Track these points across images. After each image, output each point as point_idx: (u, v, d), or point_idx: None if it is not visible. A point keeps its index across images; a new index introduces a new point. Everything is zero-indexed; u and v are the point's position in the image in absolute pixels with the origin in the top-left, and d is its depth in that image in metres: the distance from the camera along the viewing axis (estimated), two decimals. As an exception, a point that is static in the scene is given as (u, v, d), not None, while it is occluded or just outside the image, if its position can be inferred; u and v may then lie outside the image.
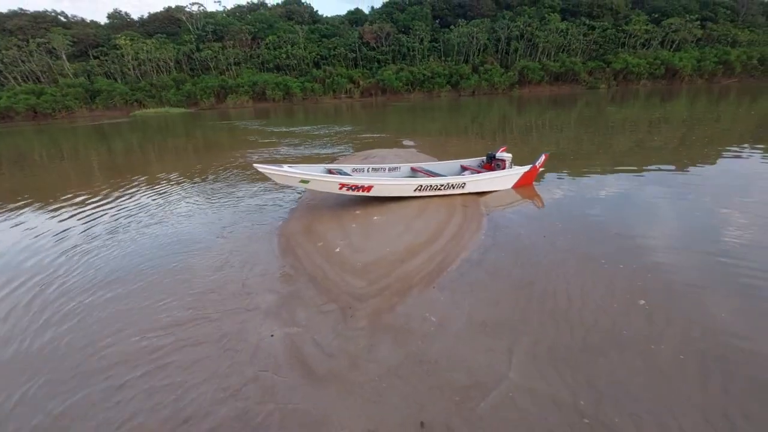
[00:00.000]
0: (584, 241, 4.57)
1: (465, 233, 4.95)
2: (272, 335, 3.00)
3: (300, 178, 5.44)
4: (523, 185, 7.05)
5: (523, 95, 47.32)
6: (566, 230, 4.95)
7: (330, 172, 6.54)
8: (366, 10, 67.97)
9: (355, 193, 5.83)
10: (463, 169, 7.74)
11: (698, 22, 55.50)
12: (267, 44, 57.20)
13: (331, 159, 10.62)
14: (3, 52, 50.68)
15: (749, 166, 8.12)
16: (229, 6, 69.84)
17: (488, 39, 56.77)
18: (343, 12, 70.54)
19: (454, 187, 6.46)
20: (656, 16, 58.30)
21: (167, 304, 3.56)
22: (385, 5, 65.18)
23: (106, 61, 55.13)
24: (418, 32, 56.53)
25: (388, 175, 7.29)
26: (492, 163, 7.52)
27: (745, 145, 10.02)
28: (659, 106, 24.03)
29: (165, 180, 9.04)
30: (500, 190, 6.89)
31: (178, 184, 8.61)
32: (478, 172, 7.18)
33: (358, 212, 5.88)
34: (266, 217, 6.07)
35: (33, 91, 48.93)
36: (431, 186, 6.28)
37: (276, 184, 7.71)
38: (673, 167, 8.14)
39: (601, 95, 38.64)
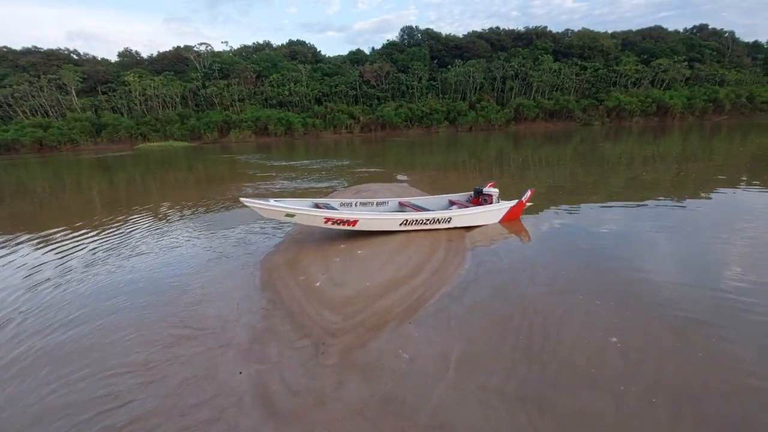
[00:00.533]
0: (564, 276, 4.57)
1: (447, 267, 4.97)
2: (241, 372, 2.95)
3: (286, 212, 5.52)
4: (510, 220, 7.14)
5: (519, 131, 48.46)
6: (548, 265, 4.96)
7: (317, 206, 6.63)
8: (367, 51, 70.91)
9: (341, 227, 5.87)
10: (451, 203, 7.80)
11: (686, 63, 57.77)
12: (271, 82, 59.23)
13: (325, 193, 10.77)
14: (14, 87, 52.33)
15: (742, 201, 8.28)
16: (236, 46, 72.74)
17: (484, 78, 58.82)
18: (344, 52, 73.35)
19: (440, 222, 6.50)
20: (645, 57, 60.75)
21: (136, 340, 3.51)
22: (385, 46, 68.02)
23: (114, 96, 56.92)
24: (416, 71, 58.68)
25: (375, 210, 7.36)
26: (479, 198, 7.61)
27: (741, 181, 10.20)
28: (652, 142, 24.57)
29: (155, 212, 9.12)
30: (487, 225, 6.94)
31: (167, 216, 8.68)
32: (466, 207, 7.24)
33: (342, 246, 5.92)
34: (251, 250, 6.09)
35: (40, 125, 50.21)
36: (417, 220, 6.32)
37: (263, 218, 7.75)
38: (665, 201, 8.28)
39: (595, 132, 39.56)
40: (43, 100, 54.37)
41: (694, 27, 70.89)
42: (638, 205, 8.02)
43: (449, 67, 59.87)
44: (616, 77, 58.60)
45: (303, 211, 5.62)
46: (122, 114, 56.09)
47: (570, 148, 23.03)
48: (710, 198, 8.49)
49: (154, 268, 5.43)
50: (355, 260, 5.32)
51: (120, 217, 8.65)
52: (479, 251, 5.67)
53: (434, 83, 60.30)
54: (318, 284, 4.57)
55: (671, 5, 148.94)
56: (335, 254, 5.60)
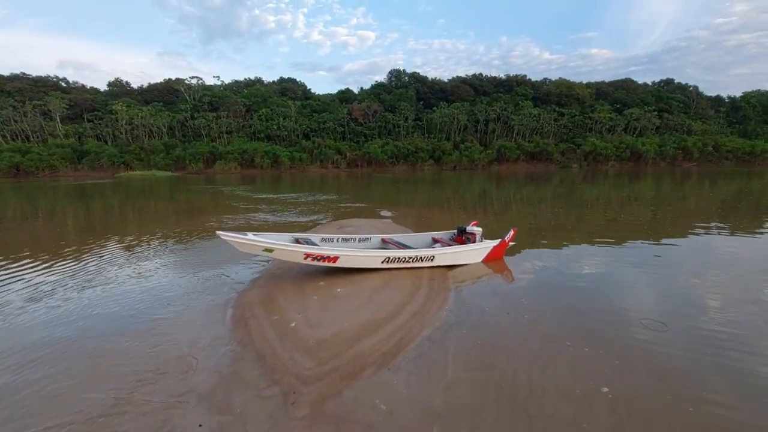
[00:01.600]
0: (549, 320, 4.44)
1: (429, 308, 4.81)
2: (200, 425, 2.67)
3: (264, 247, 5.32)
4: (493, 259, 7.09)
5: (501, 171, 49.81)
6: (532, 308, 4.84)
7: (297, 241, 6.48)
8: (356, 90, 73.23)
9: (321, 263, 5.72)
10: (435, 241, 7.76)
11: (656, 113, 61.42)
12: (260, 116, 60.08)
13: (307, 227, 10.59)
14: (-3, 111, 51.61)
15: (718, 241, 8.63)
16: (227, 81, 74.07)
17: (468, 120, 61.05)
18: (334, 91, 75.45)
19: (422, 260, 6.41)
20: (618, 106, 64.44)
21: (85, 387, 3.16)
22: (373, 86, 70.47)
23: (99, 124, 56.61)
24: (403, 111, 60.57)
25: (357, 246, 7.26)
26: (463, 237, 7.55)
27: (712, 224, 10.52)
28: (627, 185, 25.48)
29: (125, 243, 8.76)
30: (470, 264, 6.87)
31: (138, 247, 8.34)
32: (449, 245, 7.18)
33: (321, 283, 5.71)
34: (225, 285, 5.82)
35: (19, 150, 49.22)
36: (399, 258, 6.22)
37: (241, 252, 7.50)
38: (644, 242, 8.43)
39: (573, 174, 40.96)
40: (26, 125, 53.65)
41: (662, 81, 76.09)
42: (617, 246, 8.13)
43: (434, 108, 62.14)
44: (592, 123, 61.67)
45: (282, 246, 5.41)
46: (106, 142, 55.61)
47: (550, 188, 23.65)
48: (686, 238, 8.75)
49: (115, 302, 5.09)
50: (334, 299, 5.11)
51: (87, 247, 8.25)
52: (462, 291, 5.53)
53: (420, 123, 62.18)
54: (293, 324, 4.32)
55: (640, 61, 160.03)
56: (313, 292, 5.37)
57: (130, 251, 7.98)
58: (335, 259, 5.74)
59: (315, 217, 12.44)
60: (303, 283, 5.77)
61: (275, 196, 20.16)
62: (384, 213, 13.33)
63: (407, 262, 6.32)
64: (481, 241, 7.20)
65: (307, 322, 4.39)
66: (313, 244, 6.38)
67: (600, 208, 14.66)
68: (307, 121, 60.49)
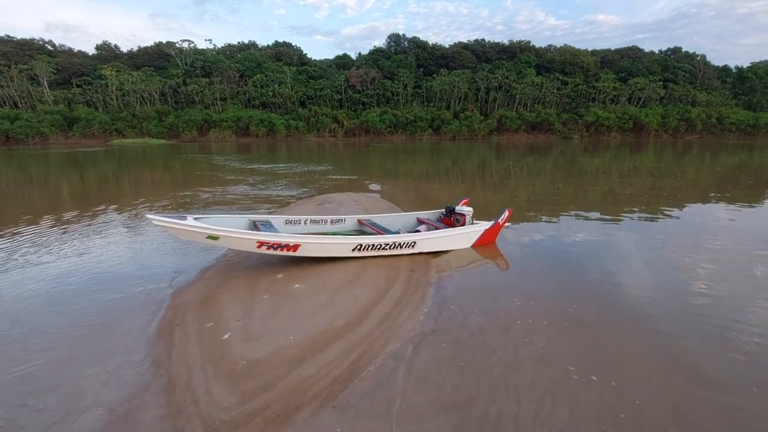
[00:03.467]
0: (549, 331, 3.73)
1: (402, 311, 4.09)
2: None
3: (207, 234, 4.55)
4: (484, 244, 6.36)
5: (501, 142, 48.88)
6: (528, 309, 4.16)
7: (255, 224, 5.74)
8: (354, 56, 70.70)
9: (279, 252, 4.95)
10: (419, 222, 7.02)
11: (661, 83, 59.79)
12: (254, 82, 58.16)
13: (286, 203, 9.84)
14: (-19, 76, 49.74)
15: (718, 215, 8.33)
16: (220, 45, 71.35)
17: (468, 88, 59.31)
18: (331, 56, 72.87)
19: (402, 247, 5.64)
20: (623, 75, 62.53)
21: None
22: (371, 52, 67.93)
23: (89, 89, 54.83)
24: (402, 78, 58.71)
25: (329, 229, 6.54)
26: (451, 218, 6.82)
27: (712, 196, 10.27)
28: (629, 157, 24.95)
29: (63, 218, 7.99)
30: (458, 250, 6.15)
31: (86, 222, 7.59)
32: (435, 228, 6.46)
33: (280, 276, 4.95)
34: (173, 274, 5.03)
35: (8, 116, 47.82)
36: (374, 245, 5.46)
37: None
38: (649, 217, 7.98)
39: (574, 145, 40.17)
40: (13, 91, 51.86)
41: (669, 49, 73.51)
42: (621, 220, 7.70)
43: (435, 75, 60.13)
44: (596, 93, 60.09)
45: (230, 233, 4.64)
46: (97, 108, 53.97)
47: (550, 160, 23.13)
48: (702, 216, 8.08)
49: (32, 291, 4.40)
50: (288, 298, 4.35)
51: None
52: (445, 286, 4.79)
53: (419, 91, 60.44)
54: (226, 336, 3.57)
55: (647, 28, 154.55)
56: (266, 288, 4.62)
57: (78, 225, 7.32)
58: (295, 247, 4.97)
59: (298, 192, 11.64)
60: (258, 275, 5.02)
61: (263, 166, 19.30)
62: (373, 186, 12.54)
63: (383, 249, 5.55)
64: (472, 223, 6.48)
65: (245, 332, 3.65)
66: (272, 228, 5.58)
67: (601, 180, 14.33)
68: (304, 87, 58.67)
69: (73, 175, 16.83)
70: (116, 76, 54.29)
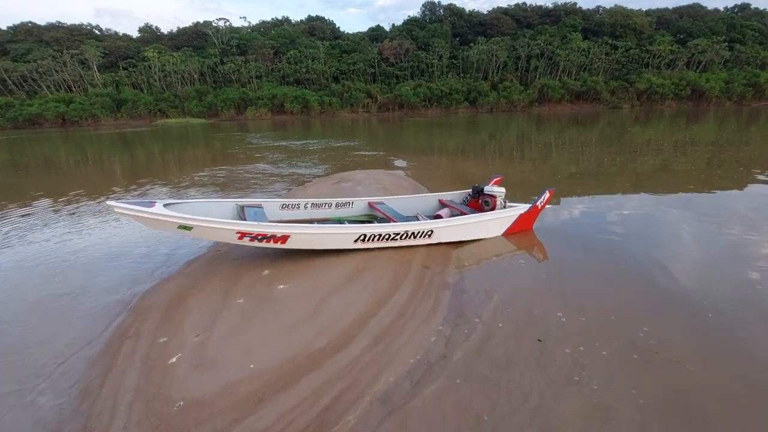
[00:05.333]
0: (606, 366, 2.78)
1: (405, 326, 3.29)
2: None
3: (179, 223, 3.98)
4: (519, 231, 5.49)
5: (542, 113, 46.55)
6: (576, 327, 3.20)
7: (242, 210, 5.11)
8: (387, 28, 68.84)
9: (264, 244, 4.30)
10: (442, 205, 6.17)
11: (726, 44, 54.02)
12: (288, 59, 58.27)
13: (302, 181, 9.75)
14: (38, 62, 52.91)
15: None
16: (254, 22, 71.57)
17: (508, 56, 56.44)
18: (364, 29, 71.42)
19: (416, 236, 4.82)
20: (681, 36, 57.10)
21: None
22: (405, 22, 65.83)
23: (134, 72, 57.18)
24: (437, 49, 56.68)
25: (333, 214, 5.81)
26: (479, 200, 5.92)
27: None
28: (685, 127, 23.04)
29: (46, 200, 8.15)
30: (486, 239, 5.27)
31: (96, 200, 7.66)
32: (460, 212, 5.67)
33: (265, 273, 4.31)
34: (143, 271, 4.50)
35: (63, 100, 50.89)
36: (381, 235, 4.67)
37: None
38: (709, 197, 7.27)
39: (623, 115, 37.60)
40: (66, 75, 54.94)
41: (736, 6, 66.07)
42: (692, 204, 6.87)
43: (471, 45, 57.58)
44: (649, 58, 55.33)
45: (204, 222, 4.03)
46: (142, 90, 56.36)
47: (596, 132, 21.79)
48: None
49: None
50: (266, 304, 3.66)
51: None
52: (465, 288, 3.91)
53: (455, 62, 58.22)
54: (174, 360, 2.92)
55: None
56: (246, 288, 3.96)
57: (95, 202, 7.58)
58: (284, 238, 4.29)
59: (318, 170, 11.43)
60: (243, 271, 4.40)
61: (295, 143, 19.61)
62: (398, 163, 12.15)
63: (393, 239, 4.76)
64: (504, 207, 5.60)
65: (198, 355, 2.97)
66: (262, 215, 4.90)
67: (658, 153, 13.26)
68: (337, 62, 58.13)
69: (117, 153, 18.03)
70: (158, 58, 56.16)
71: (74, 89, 55.61)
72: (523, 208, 5.42)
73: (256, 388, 2.62)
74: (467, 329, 3.26)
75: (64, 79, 55.34)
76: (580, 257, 4.75)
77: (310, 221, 5.43)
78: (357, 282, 4.06)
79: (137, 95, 53.72)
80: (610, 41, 56.23)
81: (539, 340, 3.08)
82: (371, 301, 3.70)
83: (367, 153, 15.10)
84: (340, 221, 5.61)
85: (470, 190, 6.14)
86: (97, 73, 56.51)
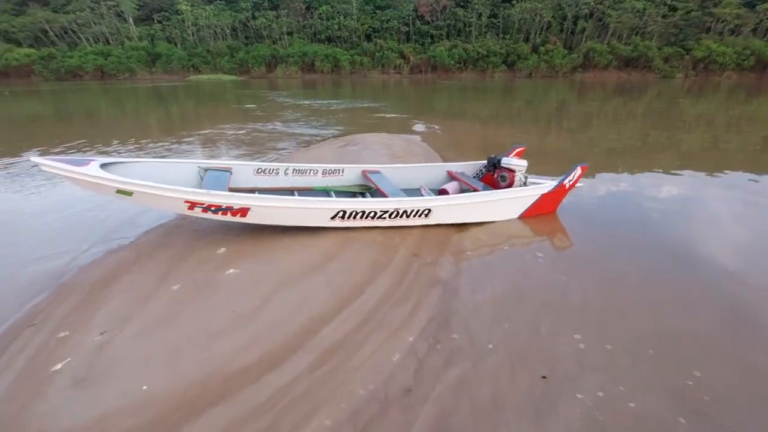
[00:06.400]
0: (635, 410, 2.11)
1: (368, 339, 2.60)
2: None
3: (117, 187, 3.39)
4: (539, 214, 4.67)
5: (585, 80, 43.67)
6: (600, 363, 2.41)
7: (206, 174, 4.35)
8: (424, -18, 64.94)
9: (221, 217, 3.66)
10: (450, 178, 5.36)
11: (804, 8, 48.12)
12: (320, 14, 56.62)
13: (310, 142, 9.40)
14: (77, 13, 53.66)
15: None
16: (288, -26, 69.02)
17: (553, 17, 52.51)
18: (401, -17, 67.60)
19: (409, 215, 4.10)
20: (752, -2, 51.20)
21: None
22: (444, -24, 61.96)
23: (168, 25, 57.24)
24: (476, 6, 53.35)
25: (318, 183, 5.02)
26: (494, 174, 5.11)
27: None
28: (744, 101, 21.11)
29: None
30: (497, 222, 4.50)
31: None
32: (471, 188, 4.85)
33: (221, 251, 3.68)
34: (100, 235, 4.04)
35: (101, 53, 51.87)
36: (365, 212, 3.94)
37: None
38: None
39: (675, 85, 34.77)
40: (104, 28, 55.67)
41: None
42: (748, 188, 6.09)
43: (514, 2, 53.85)
44: (711, 22, 50.14)
45: (146, 187, 3.42)
46: (176, 44, 56.61)
47: (643, 103, 20.31)
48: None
49: None
50: (204, 294, 3.05)
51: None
52: (458, 288, 3.20)
53: (495, 21, 54.81)
54: (59, 367, 2.34)
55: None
56: (189, 271, 3.36)
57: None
58: (243, 211, 3.65)
59: (329, 131, 10.89)
60: (197, 246, 3.77)
61: (318, 102, 19.23)
62: (417, 127, 11.46)
63: (380, 218, 4.04)
64: (523, 184, 4.78)
65: (87, 364, 2.36)
66: (220, 184, 4.05)
67: (711, 129, 12.24)
68: (370, 19, 55.98)
69: (140, 106, 18.29)
70: (191, 11, 55.80)
71: (111, 42, 56.40)
72: (546, 186, 4.60)
73: (139, 425, 1.96)
74: (448, 350, 2.49)
75: (102, 32, 56.10)
76: (613, 255, 3.81)
77: (291, 190, 4.75)
78: (323, 271, 3.34)
79: (171, 50, 54.05)
80: (668, 2, 51.14)
81: (543, 377, 2.27)
82: (332, 300, 2.97)
83: (389, 115, 14.59)
84: (326, 191, 4.85)
85: (485, 162, 5.34)
86: (133, 26, 56.93)
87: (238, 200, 3.60)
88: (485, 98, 22.47)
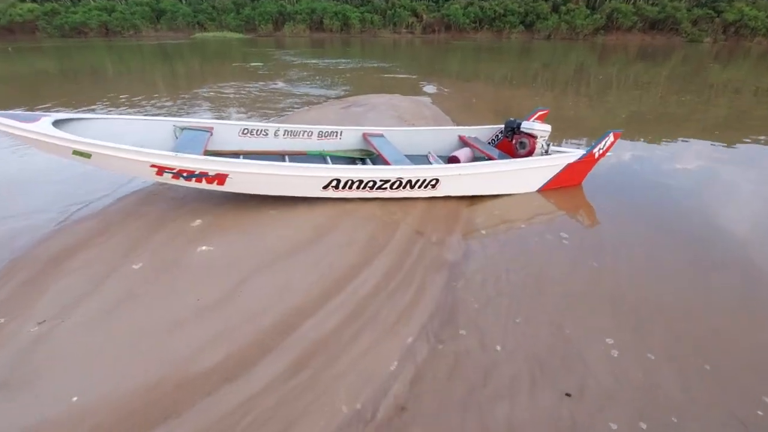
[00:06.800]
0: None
1: (357, 336, 2.21)
2: None
3: (74, 148, 2.95)
4: (562, 186, 4.22)
5: (608, 43, 41.34)
6: (638, 368, 2.02)
7: (180, 133, 3.87)
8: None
9: (195, 184, 3.18)
10: (462, 144, 4.84)
11: None
12: (330, -32, 53.73)
13: (313, 102, 8.89)
14: (78, -35, 51.58)
15: None
16: None
17: (577, -28, 49.16)
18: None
19: (413, 186, 3.62)
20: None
21: None
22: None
23: (172, -21, 54.90)
24: (495, -40, 50.04)
25: (313, 146, 4.51)
26: (513, 140, 4.60)
27: None
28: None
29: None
30: (514, 195, 4.05)
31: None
32: (486, 156, 4.38)
33: (197, 223, 3.25)
34: (77, 200, 3.64)
35: (105, 8, 50.33)
36: (362, 182, 3.46)
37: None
38: None
39: (703, 50, 32.69)
40: (106, -19, 53.58)
41: None
42: None
43: (536, -44, 50.30)
44: (747, -18, 46.52)
45: (106, 149, 2.96)
46: (180, 0, 54.57)
47: (668, 68, 19.07)
48: None
49: None
50: (168, 276, 2.64)
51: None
52: (467, 273, 2.79)
53: (515, -23, 51.55)
54: None
55: None
56: (155, 247, 2.94)
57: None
58: (221, 178, 3.15)
59: (333, 91, 10.37)
60: (170, 217, 3.35)
61: (325, 61, 18.52)
62: (428, 89, 10.87)
63: (381, 188, 3.55)
64: (545, 152, 4.29)
65: (16, 361, 2.00)
66: (195, 145, 3.51)
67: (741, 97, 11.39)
68: (382, -26, 53.08)
69: (146, 64, 17.68)
70: (195, -37, 53.30)
71: (114, -3, 54.54)
72: (572, 155, 4.11)
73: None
74: (453, 354, 2.06)
75: (104, -14, 54.05)
76: (652, 238, 3.26)
77: (281, 155, 4.28)
78: (310, 251, 2.90)
79: (176, 5, 52.22)
80: (704, -43, 47.36)
81: (567, 395, 1.86)
82: (319, 286, 2.51)
83: (398, 75, 14.01)
84: (321, 156, 4.41)
85: (502, 126, 4.80)
86: (136, -20, 54.69)
87: (213, 165, 3.08)
88: (501, 59, 21.35)
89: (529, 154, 4.30)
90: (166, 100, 8.97)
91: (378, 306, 2.44)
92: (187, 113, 7.75)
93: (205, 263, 2.76)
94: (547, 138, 4.33)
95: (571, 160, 4.09)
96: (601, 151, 4.19)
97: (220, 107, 8.45)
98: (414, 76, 13.65)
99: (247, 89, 10.56)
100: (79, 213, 3.49)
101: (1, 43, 30.36)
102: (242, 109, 8.23)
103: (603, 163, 4.80)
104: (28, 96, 9.46)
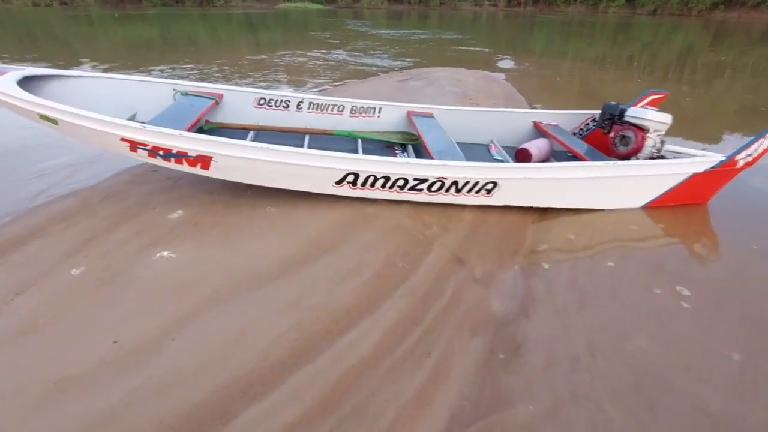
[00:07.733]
0: None
1: None
2: None
3: (40, 113, 2.45)
4: (679, 204, 3.00)
5: (728, 21, 34.94)
6: None
7: (202, 97, 3.29)
8: None
9: (174, 165, 2.57)
10: (538, 132, 3.69)
11: None
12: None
13: (367, 73, 8.17)
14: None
15: None
16: None
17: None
18: None
19: (460, 190, 2.66)
20: None
21: None
22: None
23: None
24: None
25: (343, 125, 3.61)
26: (610, 131, 3.36)
27: None
28: None
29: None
30: (608, 211, 2.91)
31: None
32: (569, 152, 3.32)
33: (176, 215, 2.64)
34: (83, 171, 3.23)
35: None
36: (388, 180, 2.60)
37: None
38: None
39: None
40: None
41: None
42: None
43: None
44: None
45: (74, 117, 2.42)
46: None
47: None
48: None
49: None
50: (102, 292, 1.98)
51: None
52: (528, 338, 1.78)
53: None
54: None
55: None
56: (111, 247, 2.32)
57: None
58: (205, 161, 2.50)
59: (395, 63, 9.60)
60: (155, 203, 2.79)
61: (398, 32, 17.98)
62: (503, 64, 9.69)
63: (414, 190, 2.65)
64: (657, 151, 3.10)
65: None
66: (183, 115, 2.83)
67: None
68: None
69: (223, 32, 17.96)
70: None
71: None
72: (703, 161, 2.82)
73: None
74: None
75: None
76: None
77: (302, 133, 3.45)
78: (294, 278, 2.09)
79: (263, -25, 53.85)
80: None
81: None
82: (284, 345, 1.68)
83: (472, 49, 12.94)
84: (352, 137, 3.50)
85: (597, 113, 3.56)
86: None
87: (194, 144, 2.43)
88: (596, 37, 19.04)
89: (635, 153, 3.08)
90: (232, 64, 9.04)
91: (367, 392, 1.49)
92: (231, 80, 7.39)
93: (157, 278, 2.08)
94: (662, 133, 3.09)
95: (700, 168, 2.81)
96: (750, 158, 2.83)
97: (265, 74, 8.10)
98: (488, 50, 12.54)
99: (303, 59, 10.34)
100: (70, 185, 3.02)
101: (110, 10, 33.60)
102: (287, 78, 7.79)
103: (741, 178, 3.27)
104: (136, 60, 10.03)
